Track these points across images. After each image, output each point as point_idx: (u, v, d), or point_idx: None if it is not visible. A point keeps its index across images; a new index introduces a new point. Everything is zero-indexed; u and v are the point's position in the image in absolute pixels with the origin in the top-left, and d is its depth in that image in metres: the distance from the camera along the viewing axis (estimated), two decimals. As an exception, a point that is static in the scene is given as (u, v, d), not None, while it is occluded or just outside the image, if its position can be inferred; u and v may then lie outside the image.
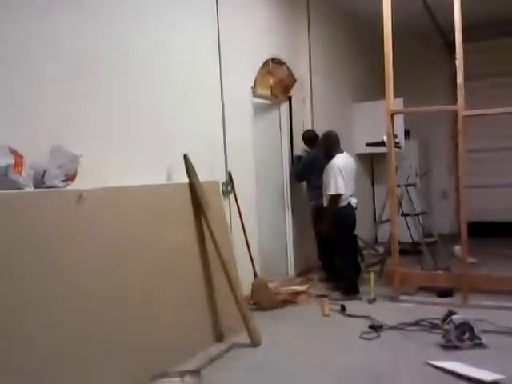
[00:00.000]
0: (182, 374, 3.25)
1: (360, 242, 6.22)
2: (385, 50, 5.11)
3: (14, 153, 2.81)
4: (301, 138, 6.43)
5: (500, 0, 7.28)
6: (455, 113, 4.98)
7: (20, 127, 3.02)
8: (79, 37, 3.45)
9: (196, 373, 3.32)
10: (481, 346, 3.75)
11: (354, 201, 5.38)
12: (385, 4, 5.09)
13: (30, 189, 2.88)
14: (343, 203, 5.25)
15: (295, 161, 6.31)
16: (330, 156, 5.34)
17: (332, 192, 5.16)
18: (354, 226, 5.47)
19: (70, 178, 3.10)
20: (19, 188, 2.80)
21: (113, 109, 3.72)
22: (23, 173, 2.83)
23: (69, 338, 2.84)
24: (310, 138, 6.26)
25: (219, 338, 4.03)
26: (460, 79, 4.86)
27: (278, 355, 3.81)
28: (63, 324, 2.83)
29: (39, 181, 3.00)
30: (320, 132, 6.25)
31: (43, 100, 3.18)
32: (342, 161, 5.31)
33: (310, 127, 6.62)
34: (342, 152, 5.41)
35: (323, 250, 5.88)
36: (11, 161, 2.77)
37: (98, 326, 3.03)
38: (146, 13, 4.07)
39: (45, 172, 3.01)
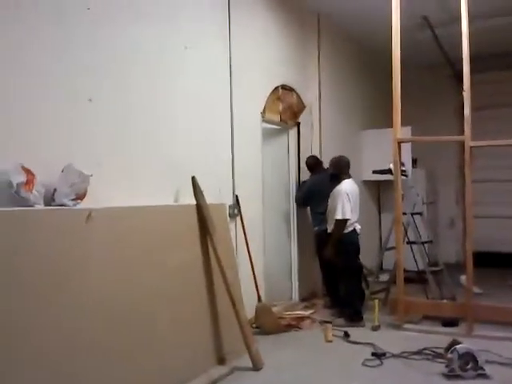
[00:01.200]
0: (182, 396, 3.24)
1: (364, 270, 6.21)
2: (393, 79, 5.19)
3: (27, 171, 2.87)
4: (308, 164, 6.48)
5: (507, 33, 7.38)
6: (462, 143, 5.02)
7: (33, 146, 3.09)
8: (93, 59, 3.55)
9: (197, 395, 3.31)
10: (484, 376, 3.72)
11: (358, 227, 5.39)
12: (394, 34, 5.19)
13: (41, 206, 2.94)
14: (348, 229, 5.27)
15: (301, 186, 6.35)
16: (338, 180, 5.38)
17: (339, 217, 5.18)
18: (358, 252, 5.47)
19: (80, 197, 3.16)
20: (30, 205, 2.86)
21: (124, 131, 3.79)
22: (34, 191, 2.89)
23: (72, 356, 2.85)
24: (312, 163, 6.28)
25: (221, 360, 4.02)
26: (467, 110, 4.91)
27: (279, 380, 3.80)
28: (68, 341, 2.85)
29: (49, 199, 3.06)
30: (325, 158, 6.32)
31: (57, 121, 3.26)
32: (349, 186, 5.35)
33: (317, 153, 6.67)
34: (350, 178, 5.45)
35: (327, 276, 5.87)
36: (23, 179, 2.83)
37: (100, 346, 3.04)
38: (158, 37, 4.17)
39: (55, 190, 3.07)
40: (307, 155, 6.52)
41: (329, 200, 5.43)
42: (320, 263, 5.96)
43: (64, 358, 2.81)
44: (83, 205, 3.18)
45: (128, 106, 3.85)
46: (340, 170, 5.48)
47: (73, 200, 3.09)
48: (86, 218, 3.06)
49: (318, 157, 6.47)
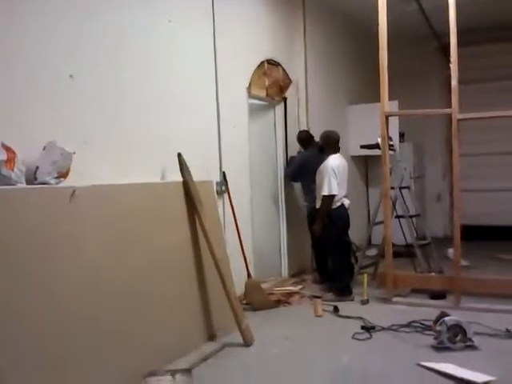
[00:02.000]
0: (173, 373, 3.22)
1: (353, 245, 6.22)
2: (380, 52, 5.12)
3: (7, 149, 2.80)
4: (295, 139, 6.43)
5: (495, 5, 7.31)
6: (449, 116, 4.99)
7: (14, 124, 3.01)
8: (75, 39, 3.45)
9: (187, 371, 3.29)
10: (473, 347, 3.75)
11: (347, 202, 5.38)
12: (380, 7, 5.10)
13: (22, 185, 2.87)
14: (336, 204, 5.26)
15: (289, 162, 6.31)
16: (325, 155, 5.37)
17: (325, 193, 5.16)
18: (347, 227, 5.47)
19: (63, 175, 3.09)
20: (11, 184, 2.79)
21: (107, 108, 3.71)
22: (15, 169, 2.82)
23: (58, 336, 2.82)
24: (304, 138, 6.23)
25: (211, 337, 4.03)
26: (454, 82, 4.87)
27: (270, 355, 3.80)
28: (53, 322, 2.81)
29: (31, 177, 2.99)
30: (313, 134, 6.27)
31: (38, 98, 3.18)
32: (336, 161, 5.32)
33: (305, 128, 6.62)
34: (337, 153, 5.41)
35: (318, 252, 5.88)
36: (3, 157, 2.76)
37: (89, 325, 3.01)
38: (141, 11, 4.06)
39: (37, 168, 3.01)
40: (294, 131, 6.47)
41: (316, 176, 5.40)
42: (312, 239, 5.95)
43: (52, 337, 2.78)
44: (67, 183, 3.12)
45: (113, 82, 3.76)
46: (327, 144, 5.44)
47: (55, 178, 3.03)
48: (69, 197, 2.99)
49: (310, 131, 6.40)
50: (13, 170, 2.80)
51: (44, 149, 3.05)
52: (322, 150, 5.50)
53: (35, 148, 3.02)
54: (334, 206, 5.25)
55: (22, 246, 2.72)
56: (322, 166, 5.32)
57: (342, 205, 5.32)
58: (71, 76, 3.40)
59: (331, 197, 5.18)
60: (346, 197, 5.39)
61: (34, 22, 3.17)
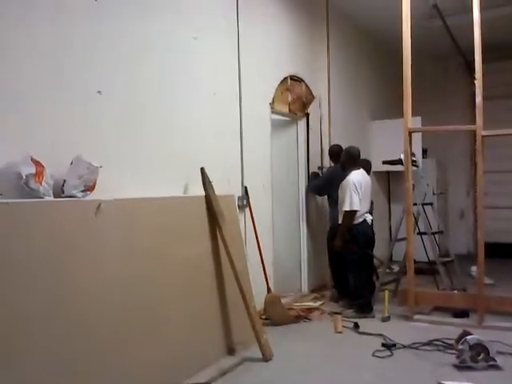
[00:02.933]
0: (192, 386, 3.26)
1: (375, 261, 6.18)
2: (403, 68, 5.13)
3: (36, 163, 2.88)
4: (317, 154, 6.45)
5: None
6: (473, 132, 4.96)
7: (42, 138, 3.10)
8: (102, 55, 3.55)
9: (207, 385, 3.33)
10: (495, 367, 3.70)
11: (369, 218, 5.37)
12: (404, 23, 5.12)
13: (50, 198, 2.94)
14: (358, 220, 5.25)
15: (311, 177, 6.33)
16: (346, 170, 5.38)
17: (347, 208, 5.17)
18: (369, 243, 5.46)
19: (89, 188, 3.16)
20: (39, 197, 2.87)
21: (133, 123, 3.79)
22: (44, 182, 2.90)
23: (81, 347, 2.87)
24: (334, 151, 6.19)
25: (231, 351, 4.04)
26: (479, 99, 4.85)
27: (289, 371, 3.80)
28: (77, 333, 2.86)
29: (59, 190, 3.07)
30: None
31: (66, 113, 3.27)
32: (358, 177, 5.32)
33: (327, 144, 6.63)
34: (359, 168, 5.41)
35: (335, 267, 5.86)
36: (32, 170, 2.84)
37: (111, 337, 3.06)
38: (168, 28, 4.16)
39: (64, 182, 3.08)
40: (316, 147, 6.50)
41: (339, 191, 5.40)
42: (329, 255, 5.94)
43: (75, 350, 2.83)
44: (93, 196, 3.19)
45: (138, 97, 3.85)
46: (348, 160, 5.46)
47: (82, 191, 3.10)
48: (95, 210, 3.06)
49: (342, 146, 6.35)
50: (41, 183, 2.87)
51: (71, 163, 3.13)
52: (343, 167, 5.51)
53: (63, 162, 3.10)
54: (355, 222, 5.24)
55: (49, 257, 2.79)
56: (344, 182, 5.33)
57: (365, 220, 5.31)
58: (99, 92, 3.49)
59: (353, 212, 5.17)
60: (369, 212, 5.37)
61: (63, 37, 3.28)
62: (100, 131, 3.50)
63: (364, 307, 5.23)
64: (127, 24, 3.78)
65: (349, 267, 5.42)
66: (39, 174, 2.87)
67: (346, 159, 5.49)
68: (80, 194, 3.09)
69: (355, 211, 5.17)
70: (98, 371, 2.92)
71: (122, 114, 3.71)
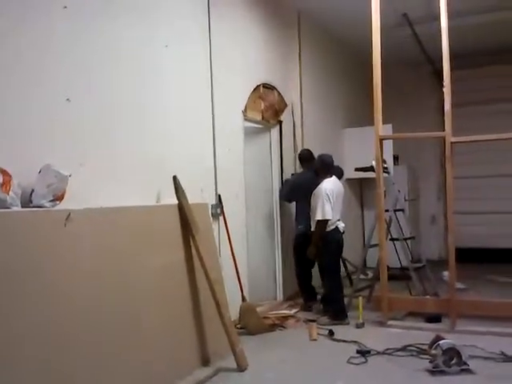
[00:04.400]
0: (166, 398, 3.21)
1: (350, 267, 6.21)
2: (374, 76, 5.20)
3: (3, 172, 2.81)
4: (290, 162, 6.47)
5: (488, 30, 7.46)
6: (443, 139, 5.04)
7: (9, 147, 3.02)
8: (71, 62, 3.49)
9: (181, 397, 3.28)
10: (468, 371, 3.74)
11: (341, 225, 5.39)
12: (374, 33, 5.19)
13: (18, 208, 2.87)
14: (330, 227, 5.27)
15: (284, 184, 6.33)
16: (319, 178, 5.40)
17: (319, 217, 5.18)
18: (341, 250, 5.48)
19: (58, 198, 3.10)
20: (6, 207, 2.80)
21: (103, 130, 3.73)
22: (11, 192, 2.83)
23: (56, 357, 2.80)
24: (304, 157, 6.19)
25: (205, 361, 3.99)
26: (448, 106, 4.94)
27: (264, 380, 3.78)
28: (52, 343, 2.79)
29: (27, 200, 3.00)
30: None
31: (34, 121, 3.20)
32: (330, 185, 5.33)
33: (306, 148, 6.63)
34: (331, 176, 5.43)
35: (302, 274, 5.90)
36: (-1, 180, 2.77)
37: (84, 348, 2.99)
38: (139, 36, 4.12)
39: (33, 191, 3.01)
40: (289, 154, 6.52)
41: (311, 199, 5.42)
42: (295, 262, 5.95)
43: (50, 359, 2.75)
44: (62, 206, 3.12)
45: (108, 105, 3.79)
46: (321, 168, 5.47)
47: (51, 201, 3.03)
48: (64, 220, 2.99)
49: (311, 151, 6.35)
50: (8, 193, 2.80)
51: (40, 172, 3.06)
52: (317, 174, 5.53)
53: (31, 171, 3.03)
54: (328, 229, 5.26)
55: (17, 268, 2.71)
56: (316, 190, 5.34)
57: (336, 228, 5.32)
58: (68, 99, 3.43)
59: (325, 221, 5.20)
60: (340, 220, 5.40)
61: (28, 43, 3.21)
62: (69, 139, 3.43)
63: (339, 314, 5.24)
64: (98, 31, 3.72)
65: (323, 274, 5.43)
66: (6, 183, 2.80)
67: (319, 167, 5.51)
68: (49, 204, 3.02)
69: (327, 220, 5.19)
70: (67, 380, 2.84)
71: (92, 121, 3.64)
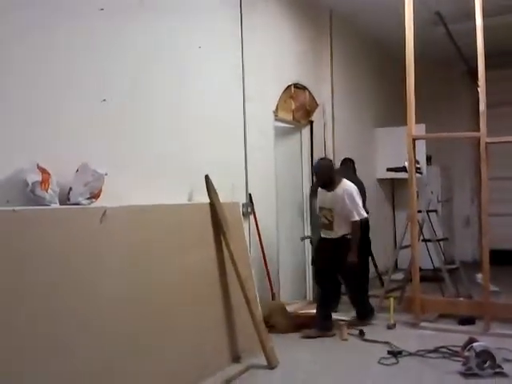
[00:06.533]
0: (198, 394, 3.25)
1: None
2: (406, 75, 5.15)
3: (42, 170, 2.91)
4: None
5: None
6: (478, 140, 4.96)
7: (49, 146, 3.12)
8: (108, 64, 3.59)
9: (212, 393, 3.32)
10: (502, 374, 3.67)
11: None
12: (407, 30, 5.14)
13: (56, 205, 2.96)
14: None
15: (315, 184, 6.32)
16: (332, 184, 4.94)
17: (357, 218, 4.85)
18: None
19: (95, 195, 3.18)
20: (45, 204, 2.89)
21: (138, 131, 3.82)
22: (50, 190, 2.92)
23: (85, 356, 2.87)
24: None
25: (236, 358, 4.02)
26: (482, 106, 4.86)
27: (294, 378, 3.79)
28: (82, 341, 2.87)
29: (65, 198, 3.09)
30: (339, 157, 6.32)
31: (73, 121, 3.29)
32: (352, 185, 5.00)
33: (331, 151, 6.64)
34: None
35: (327, 284, 5.04)
36: (39, 178, 2.86)
37: (115, 344, 3.05)
38: (172, 37, 4.19)
39: (70, 189, 3.10)
40: (320, 154, 6.50)
41: (334, 205, 4.90)
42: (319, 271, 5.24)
43: (80, 357, 2.83)
44: (98, 203, 3.20)
45: (143, 105, 3.87)
46: (329, 177, 4.95)
47: (88, 199, 3.12)
48: (100, 217, 3.07)
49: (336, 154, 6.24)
50: (47, 190, 2.90)
51: (77, 170, 3.15)
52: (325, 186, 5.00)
53: (69, 170, 3.12)
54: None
55: (55, 264, 2.80)
56: (338, 192, 4.88)
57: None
58: (104, 100, 3.51)
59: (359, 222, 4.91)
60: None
61: (67, 44, 3.31)
62: (106, 139, 3.52)
63: (369, 313, 5.20)
64: (134, 33, 3.81)
65: (351, 279, 5.15)
66: (45, 181, 2.89)
67: (332, 174, 4.99)
68: (86, 202, 3.11)
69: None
70: (98, 376, 2.91)
71: (129, 122, 3.73)
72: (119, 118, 3.65)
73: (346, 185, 4.96)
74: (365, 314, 5.20)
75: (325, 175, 4.98)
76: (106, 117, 3.54)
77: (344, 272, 5.00)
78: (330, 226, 4.94)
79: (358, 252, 4.83)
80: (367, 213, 5.86)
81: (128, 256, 3.28)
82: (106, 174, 3.19)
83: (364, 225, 5.50)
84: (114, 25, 3.64)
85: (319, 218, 5.05)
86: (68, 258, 2.89)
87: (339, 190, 4.90)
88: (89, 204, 3.13)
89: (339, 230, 4.89)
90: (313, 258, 5.41)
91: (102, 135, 3.50)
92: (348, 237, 4.86)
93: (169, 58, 4.15)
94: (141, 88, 3.86)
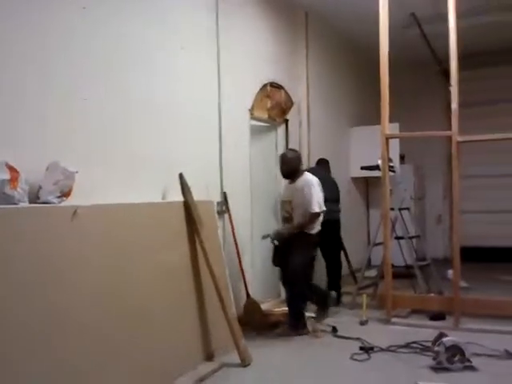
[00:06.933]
0: (170, 392, 3.25)
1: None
2: (381, 75, 5.22)
3: (11, 168, 2.86)
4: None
5: (495, 30, 7.44)
6: (450, 138, 5.05)
7: (18, 144, 3.07)
8: (84, 61, 3.55)
9: (185, 391, 3.32)
10: (471, 368, 3.76)
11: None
12: (381, 32, 5.20)
13: (25, 204, 2.92)
14: (316, 229, 4.91)
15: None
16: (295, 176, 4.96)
17: (316, 209, 4.76)
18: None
19: (65, 194, 3.14)
20: (14, 203, 2.85)
21: (111, 128, 3.78)
22: (18, 188, 2.87)
23: (55, 355, 2.85)
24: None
25: (209, 356, 4.03)
26: (454, 106, 4.94)
27: (267, 375, 3.81)
28: (50, 340, 2.84)
29: (34, 196, 3.05)
30: (313, 155, 6.36)
31: (42, 118, 3.25)
32: (314, 178, 4.92)
33: (306, 150, 6.68)
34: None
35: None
36: (7, 176, 2.82)
37: (87, 342, 3.03)
38: (148, 37, 4.15)
39: (40, 188, 3.06)
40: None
41: (293, 197, 4.90)
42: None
43: (56, 357, 2.81)
44: (69, 202, 3.17)
45: (116, 103, 3.83)
46: (294, 168, 4.99)
47: (58, 197, 3.08)
48: (71, 216, 3.04)
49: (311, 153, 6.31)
50: (16, 189, 2.85)
51: (47, 168, 3.11)
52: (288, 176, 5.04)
53: (39, 168, 3.08)
54: (312, 231, 4.86)
55: (24, 263, 2.76)
56: (298, 184, 4.89)
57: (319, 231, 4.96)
58: (85, 99, 3.48)
59: (319, 214, 4.83)
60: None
61: (46, 42, 3.27)
62: (76, 136, 3.48)
63: (297, 326, 4.85)
64: (115, 32, 3.79)
65: (291, 283, 4.95)
66: (14, 179, 2.85)
67: (296, 166, 5.01)
68: (56, 200, 3.07)
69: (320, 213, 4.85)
70: (70, 376, 2.89)
71: (101, 119, 3.69)
72: (91, 115, 3.61)
73: (308, 177, 4.93)
74: (294, 326, 4.83)
75: (288, 165, 4.98)
76: (77, 114, 3.49)
77: (289, 273, 4.90)
78: (289, 220, 4.93)
79: (302, 248, 4.76)
80: (339, 211, 5.92)
81: (100, 255, 3.26)
82: (77, 172, 3.16)
83: (334, 224, 5.53)
84: (96, 24, 3.60)
85: (281, 212, 5.05)
86: (38, 257, 2.85)
87: (300, 181, 4.90)
88: (59, 203, 3.09)
89: (299, 220, 4.82)
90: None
91: (73, 133, 3.45)
92: (305, 231, 4.80)
93: (144, 57, 4.12)
94: (115, 86, 3.82)
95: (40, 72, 3.24)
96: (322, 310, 5.17)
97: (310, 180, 4.89)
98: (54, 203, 3.06)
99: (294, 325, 4.84)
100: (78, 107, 3.48)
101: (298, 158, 5.09)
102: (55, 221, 3.00)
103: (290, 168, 4.99)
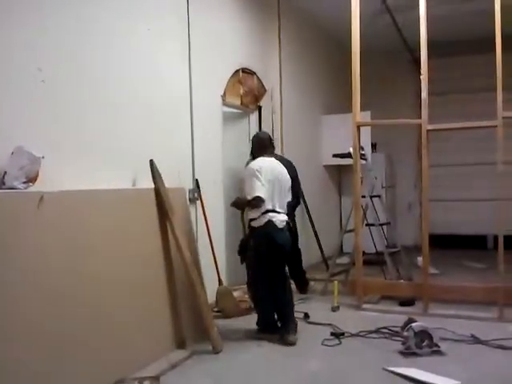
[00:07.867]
0: (141, 380, 3.24)
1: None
2: (352, 63, 5.22)
3: (-26, 153, 2.78)
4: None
5: (466, 20, 7.52)
6: (420, 127, 5.10)
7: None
8: (47, 41, 3.44)
9: (155, 379, 3.30)
10: (439, 353, 3.83)
11: (280, 218, 4.27)
12: (353, 20, 5.21)
13: (-11, 190, 2.84)
14: (262, 221, 4.22)
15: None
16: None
17: (248, 197, 4.20)
18: (276, 256, 4.32)
19: (32, 179, 3.07)
20: (-22, 188, 2.77)
21: (80, 113, 3.69)
22: (-18, 174, 2.80)
23: (25, 342, 2.79)
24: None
25: (181, 344, 4.00)
26: (424, 94, 4.99)
27: (239, 362, 3.81)
28: (21, 327, 2.78)
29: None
30: (286, 143, 6.34)
31: (6, 102, 3.14)
32: (264, 163, 4.30)
33: (279, 137, 6.67)
34: (271, 157, 4.49)
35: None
36: (-29, 161, 2.74)
37: (56, 331, 2.98)
38: (115, 19, 4.06)
39: (5, 173, 2.98)
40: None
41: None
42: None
43: (14, 341, 2.75)
44: (36, 188, 3.09)
45: (86, 87, 3.75)
46: (255, 147, 4.55)
47: (24, 183, 3.01)
48: (37, 202, 2.97)
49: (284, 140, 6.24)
50: (-20, 174, 2.78)
51: (12, 153, 3.02)
52: (253, 154, 4.59)
53: (3, 153, 2.99)
54: (258, 224, 4.25)
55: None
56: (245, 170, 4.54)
57: (269, 221, 4.21)
58: (43, 81, 3.38)
59: (255, 200, 4.15)
60: (280, 212, 4.28)
61: (15, 21, 3.16)
62: (43, 120, 3.39)
63: (266, 326, 4.49)
64: (75, 13, 3.67)
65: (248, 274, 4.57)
66: (-23, 164, 2.76)
67: (253, 146, 4.57)
68: (22, 186, 2.99)
69: (259, 198, 4.13)
70: (38, 364, 2.84)
71: (68, 103, 3.60)
72: (58, 99, 3.51)
73: (256, 161, 4.35)
74: (263, 325, 4.47)
75: (253, 146, 4.58)
76: (43, 98, 3.40)
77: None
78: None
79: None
80: (298, 198, 5.62)
81: (67, 242, 3.19)
82: (43, 157, 3.08)
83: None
84: (54, 3, 3.49)
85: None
86: (4, 243, 2.77)
87: (249, 166, 4.47)
88: (25, 188, 3.01)
89: (248, 213, 4.38)
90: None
91: (39, 116, 3.36)
92: (252, 224, 4.31)
93: (112, 41, 4.03)
94: (82, 70, 3.72)
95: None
96: (258, 331, 4.49)
97: (252, 165, 4.30)
98: (19, 189, 2.98)
99: (260, 325, 4.48)
100: (39, 89, 3.37)
101: (260, 139, 4.57)
102: (21, 207, 2.93)
103: (253, 149, 4.59)
